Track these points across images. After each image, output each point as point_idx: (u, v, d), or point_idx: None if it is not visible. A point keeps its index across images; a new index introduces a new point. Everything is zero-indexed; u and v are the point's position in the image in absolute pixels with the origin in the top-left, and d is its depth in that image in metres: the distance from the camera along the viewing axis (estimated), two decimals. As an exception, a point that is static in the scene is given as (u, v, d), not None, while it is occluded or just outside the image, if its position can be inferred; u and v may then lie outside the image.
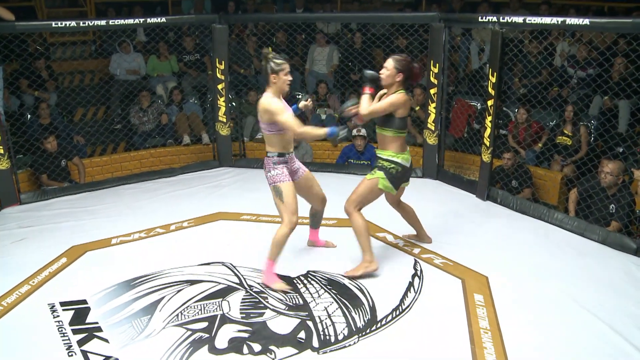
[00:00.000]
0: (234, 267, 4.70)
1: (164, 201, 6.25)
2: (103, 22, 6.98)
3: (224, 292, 4.31)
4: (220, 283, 4.45)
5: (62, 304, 4.25)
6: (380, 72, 4.46)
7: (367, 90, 4.47)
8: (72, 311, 4.15)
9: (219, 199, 5.93)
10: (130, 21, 6.97)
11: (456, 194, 6.42)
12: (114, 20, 6.86)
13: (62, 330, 3.94)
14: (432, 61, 6.53)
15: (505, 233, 5.42)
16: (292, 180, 4.46)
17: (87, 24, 7.40)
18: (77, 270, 4.80)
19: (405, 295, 4.28)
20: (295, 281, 4.50)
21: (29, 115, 7.71)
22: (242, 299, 4.23)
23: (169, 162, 7.92)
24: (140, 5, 10.17)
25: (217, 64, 7.11)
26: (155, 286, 4.45)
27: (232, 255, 4.89)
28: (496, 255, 4.92)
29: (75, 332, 3.91)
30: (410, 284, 4.44)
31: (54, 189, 6.64)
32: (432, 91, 6.60)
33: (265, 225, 5.56)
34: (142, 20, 6.90)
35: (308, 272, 4.64)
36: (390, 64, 4.42)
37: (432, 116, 6.66)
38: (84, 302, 4.25)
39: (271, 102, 4.22)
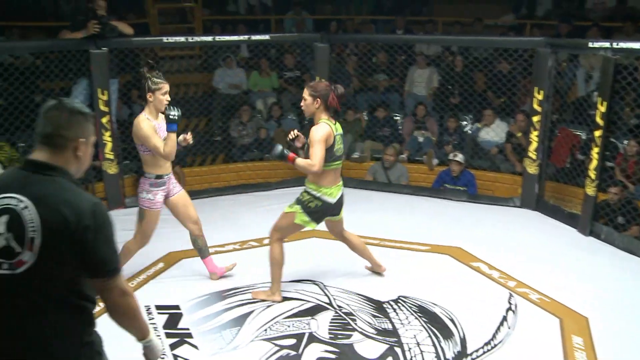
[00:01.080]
0: (325, 286, 4.69)
1: (259, 214, 6.32)
2: (209, 38, 7.22)
3: (313, 311, 4.31)
4: (309, 301, 4.46)
5: (158, 307, 4.40)
6: (301, 104, 4.25)
7: (293, 157, 4.14)
8: (167, 315, 4.29)
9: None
10: (235, 38, 7.19)
11: (556, 227, 6.16)
12: (219, 37, 7.08)
13: (156, 333, 4.03)
14: (536, 87, 6.33)
15: (608, 272, 5.13)
16: (168, 198, 4.57)
17: (194, 40, 7.68)
18: (173, 276, 4.95)
19: (498, 329, 4.13)
20: (385, 306, 4.44)
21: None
22: (331, 319, 4.22)
23: (265, 176, 8.04)
24: (243, 23, 10.47)
25: (318, 82, 7.18)
26: (246, 299, 4.51)
27: (323, 274, 4.89)
28: (598, 295, 4.66)
29: (168, 335, 4.04)
30: (504, 319, 4.27)
31: (155, 196, 6.88)
32: (535, 119, 6.39)
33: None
34: (246, 37, 7.08)
35: (399, 297, 4.57)
36: (305, 93, 4.18)
37: (534, 144, 6.44)
38: (178, 307, 4.38)
39: (141, 126, 4.26)
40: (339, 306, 4.39)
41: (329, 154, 4.14)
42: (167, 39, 6.67)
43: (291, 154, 4.12)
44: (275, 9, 11.27)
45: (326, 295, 4.56)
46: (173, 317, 4.27)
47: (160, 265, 5.12)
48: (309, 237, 5.70)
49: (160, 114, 4.36)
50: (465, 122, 8.57)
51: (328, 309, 4.35)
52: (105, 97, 6.22)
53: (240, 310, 4.34)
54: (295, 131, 4.42)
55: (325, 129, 4.10)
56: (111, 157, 6.38)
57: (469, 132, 8.36)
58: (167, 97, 4.30)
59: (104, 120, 6.27)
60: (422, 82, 8.92)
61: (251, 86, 9.11)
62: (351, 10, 11.64)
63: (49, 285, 2.02)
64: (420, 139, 8.32)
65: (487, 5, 11.39)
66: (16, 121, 6.40)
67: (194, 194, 6.90)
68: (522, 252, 5.37)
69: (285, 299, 4.48)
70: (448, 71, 8.88)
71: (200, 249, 4.79)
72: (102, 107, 6.23)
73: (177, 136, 4.35)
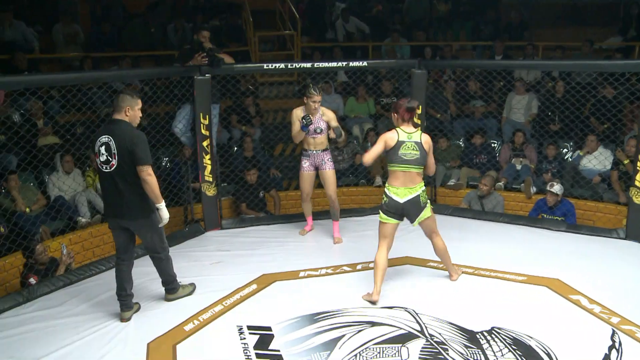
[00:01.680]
0: (416, 313, 4.62)
1: (353, 240, 6.33)
2: (308, 65, 7.37)
3: (404, 338, 4.25)
4: (401, 328, 4.40)
5: (249, 327, 4.48)
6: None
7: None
8: (258, 336, 4.35)
9: (406, 243, 5.90)
10: (334, 64, 7.28)
11: (666, 262, 5.77)
12: (318, 63, 7.21)
13: (246, 353, 4.14)
14: (645, 113, 6.01)
15: None
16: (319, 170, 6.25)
17: (294, 66, 7.87)
18: (265, 297, 5.03)
19: (599, 367, 3.91)
20: (478, 336, 4.31)
21: (235, 148, 8.33)
22: (422, 347, 4.15)
23: (360, 202, 8.06)
24: (340, 48, 10.63)
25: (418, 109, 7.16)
26: (337, 323, 4.50)
27: (415, 302, 4.82)
28: None
29: (258, 356, 4.10)
30: (607, 357, 4.04)
31: (251, 218, 7.05)
32: (644, 145, 6.06)
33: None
34: (344, 63, 7.17)
35: (492, 328, 4.43)
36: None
37: (642, 173, 6.10)
38: (269, 329, 4.43)
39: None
40: (431, 335, 4.30)
41: (394, 156, 4.78)
42: (267, 66, 6.87)
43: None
44: (372, 36, 11.36)
45: (418, 322, 4.49)
46: (264, 338, 4.33)
47: (254, 286, 5.20)
48: (403, 264, 5.66)
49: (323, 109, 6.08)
50: (565, 150, 8.28)
51: (419, 337, 4.28)
52: (206, 122, 6.46)
53: (332, 334, 4.34)
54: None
55: (388, 133, 4.84)
56: (210, 179, 6.60)
57: (570, 159, 8.06)
58: (317, 105, 5.96)
59: (205, 143, 6.50)
60: (521, 109, 8.71)
61: (347, 112, 9.21)
62: (448, 37, 11.56)
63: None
64: (518, 167, 8.10)
65: (591, 29, 11.02)
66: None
67: (288, 218, 7.04)
68: (627, 286, 5.07)
69: (376, 324, 4.45)
70: (548, 97, 8.62)
71: (331, 213, 6.42)
72: (203, 131, 6.46)
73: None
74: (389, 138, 4.78)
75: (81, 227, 6.58)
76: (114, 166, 4.32)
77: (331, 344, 4.20)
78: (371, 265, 5.60)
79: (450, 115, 8.98)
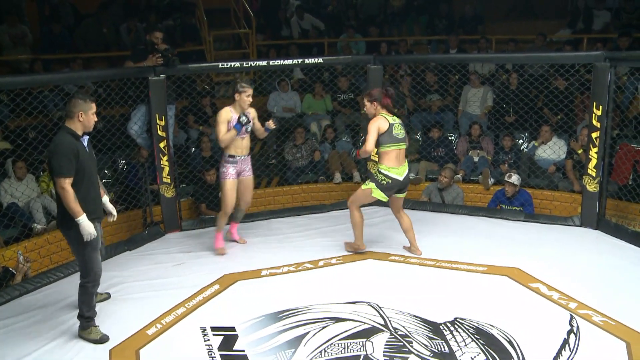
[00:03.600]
0: (380, 307, 4.64)
1: (314, 237, 6.33)
2: (264, 63, 7.33)
3: (369, 333, 4.27)
4: (365, 323, 4.42)
5: (213, 328, 4.44)
6: (363, 110, 5.63)
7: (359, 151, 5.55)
8: (222, 337, 4.32)
9: (367, 238, 5.92)
10: (290, 61, 7.26)
11: (619, 247, 5.92)
12: (274, 61, 7.18)
13: (211, 354, 4.10)
14: (594, 103, 6.15)
15: (677, 293, 4.89)
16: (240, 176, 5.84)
17: (249, 65, 7.82)
18: (228, 297, 5.00)
19: (559, 353, 4.00)
20: (441, 328, 4.36)
21: (193, 149, 8.24)
22: (387, 341, 4.17)
23: (320, 199, 8.07)
24: (296, 45, 10.61)
25: (371, 104, 7.19)
26: (301, 320, 4.50)
27: (378, 296, 4.84)
28: (666, 317, 4.44)
29: (223, 357, 4.07)
30: (565, 342, 4.13)
31: (211, 218, 6.97)
32: (594, 135, 6.20)
33: (413, 268, 5.47)
34: (300, 60, 7.15)
35: (455, 319, 4.48)
36: (365, 100, 5.44)
37: (594, 161, 6.25)
38: (233, 329, 4.40)
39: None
40: (395, 328, 4.33)
41: (389, 137, 5.25)
42: (223, 65, 6.80)
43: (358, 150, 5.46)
44: (328, 33, 11.38)
45: (382, 316, 4.51)
46: (228, 338, 4.30)
47: (216, 287, 5.16)
48: (365, 258, 5.69)
49: (249, 108, 5.84)
50: (521, 141, 8.43)
51: (384, 330, 4.31)
52: (162, 123, 6.37)
53: (296, 331, 4.33)
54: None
55: (377, 121, 5.24)
56: (168, 181, 6.51)
57: (525, 150, 8.21)
58: (250, 99, 5.74)
59: (162, 144, 6.41)
60: (477, 101, 8.84)
61: (305, 109, 9.20)
62: (403, 31, 11.65)
63: None
64: (476, 159, 8.22)
65: (542, 22, 11.25)
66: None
67: (249, 217, 7.00)
68: (583, 272, 5.19)
69: (340, 320, 4.46)
70: (502, 89, 8.77)
71: (236, 217, 6.12)
72: (160, 132, 6.37)
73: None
74: (381, 124, 5.24)
75: (37, 233, 6.43)
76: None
77: (296, 342, 4.20)
78: (333, 261, 5.64)
79: (407, 110, 9.04)
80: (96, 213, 4.27)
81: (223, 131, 5.61)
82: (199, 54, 9.97)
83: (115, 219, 4.71)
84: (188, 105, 8.43)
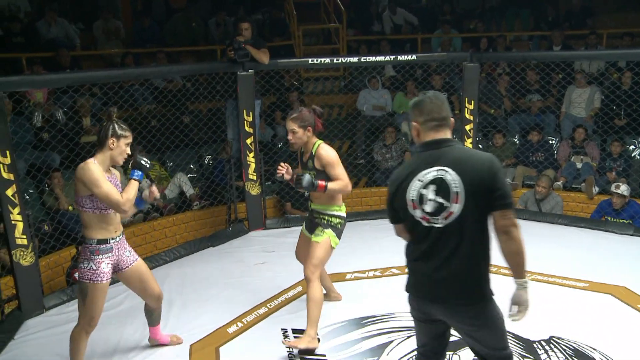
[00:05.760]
0: (470, 319, 4.35)
1: (402, 241, 6.06)
2: (355, 59, 7.14)
3: (456, 346, 3.98)
4: (453, 335, 4.13)
5: (294, 331, 4.36)
6: (289, 137, 4.17)
7: (323, 184, 4.08)
8: None
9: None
10: (381, 58, 7.05)
11: None
12: (365, 58, 6.98)
13: (291, 357, 4.03)
14: None
15: None
16: (120, 270, 3.75)
17: (340, 61, 7.64)
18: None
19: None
20: (535, 346, 4.04)
21: (280, 145, 8.16)
22: (474, 355, 3.87)
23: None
24: (387, 41, 10.35)
25: (466, 104, 6.85)
26: (385, 328, 4.35)
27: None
28: None
29: (303, 361, 3.98)
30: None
31: (296, 217, 6.87)
32: None
33: (506, 279, 5.02)
34: (392, 57, 6.93)
35: (551, 337, 4.15)
36: (293, 126, 4.13)
37: None
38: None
39: (90, 168, 3.44)
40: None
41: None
42: (312, 60, 6.67)
43: (321, 182, 4.06)
44: (422, 28, 11.04)
45: (472, 330, 4.22)
46: (309, 342, 4.19)
47: (299, 289, 5.06)
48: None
49: (112, 169, 3.66)
50: (632, 147, 7.80)
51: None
52: (250, 119, 6.31)
53: (379, 339, 4.19)
54: (283, 164, 4.34)
55: (331, 148, 4.20)
56: (254, 178, 6.45)
57: (638, 157, 7.58)
58: (129, 151, 3.61)
59: (249, 141, 6.36)
60: (582, 103, 8.27)
61: (396, 108, 8.94)
62: (502, 27, 11.14)
63: (466, 226, 2.70)
64: (579, 165, 7.68)
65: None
66: (167, 141, 6.67)
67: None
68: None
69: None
70: (613, 89, 8.14)
71: (152, 319, 4.12)
72: (247, 128, 6.32)
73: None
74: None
75: (122, 225, 6.50)
76: (452, 216, 2.72)
77: (379, 350, 4.06)
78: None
79: (504, 111, 8.60)
80: None
81: (114, 192, 3.48)
82: (287, 49, 9.90)
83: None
84: (276, 102, 8.35)
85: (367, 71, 8.79)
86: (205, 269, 5.61)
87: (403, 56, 7.01)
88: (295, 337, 4.26)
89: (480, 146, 7.51)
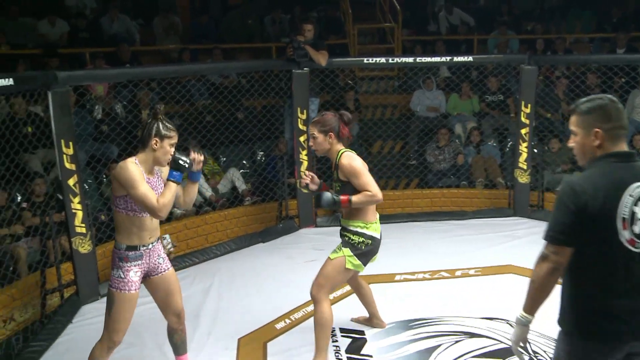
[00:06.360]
0: (520, 328, 4.27)
1: (453, 244, 6.07)
2: (410, 60, 7.09)
3: (506, 354, 3.94)
4: (502, 342, 4.10)
5: (342, 330, 4.35)
6: (310, 143, 3.85)
7: (347, 198, 3.69)
8: (350, 339, 4.23)
9: (510, 251, 5.57)
10: (437, 59, 7.00)
11: None
12: (420, 58, 6.93)
13: (338, 356, 4.02)
14: None
15: None
16: (150, 277, 3.48)
17: (395, 61, 7.61)
18: (358, 300, 4.84)
19: None
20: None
21: (332, 144, 8.14)
22: (526, 366, 3.81)
23: (460, 204, 7.70)
24: (443, 42, 10.24)
25: (523, 107, 6.73)
26: (433, 332, 4.30)
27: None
28: None
29: None
30: None
31: (346, 217, 6.87)
32: None
33: (558, 287, 4.97)
34: (448, 58, 6.87)
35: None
36: (314, 130, 3.78)
37: None
38: (362, 332, 4.30)
39: (128, 168, 3.20)
40: (535, 352, 3.97)
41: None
42: (367, 60, 6.67)
43: (343, 196, 3.68)
44: (478, 29, 10.88)
45: (522, 338, 4.14)
46: (357, 342, 4.19)
47: (347, 288, 5.00)
48: (507, 272, 5.34)
49: (155, 168, 3.42)
50: None
51: (522, 353, 3.92)
52: (304, 117, 6.35)
53: (427, 342, 4.14)
54: (307, 172, 3.98)
55: (358, 157, 3.79)
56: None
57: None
58: (173, 151, 3.36)
59: (302, 139, 6.40)
60: (646, 108, 7.99)
61: (450, 109, 8.84)
62: (562, 29, 10.88)
63: None
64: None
65: None
66: (221, 136, 6.76)
67: (385, 219, 6.76)
68: None
69: (475, 335, 4.19)
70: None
71: (175, 345, 3.72)
72: (301, 126, 6.36)
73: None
74: (362, 162, 3.83)
75: (176, 218, 6.63)
76: None
77: (426, 354, 4.01)
78: (471, 272, 5.30)
79: (561, 115, 8.40)
80: None
81: (151, 194, 3.22)
82: (342, 48, 9.89)
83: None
84: (330, 100, 8.37)
85: (422, 71, 8.71)
86: (255, 264, 5.69)
87: (459, 57, 6.93)
88: (342, 335, 4.25)
89: (535, 150, 7.34)
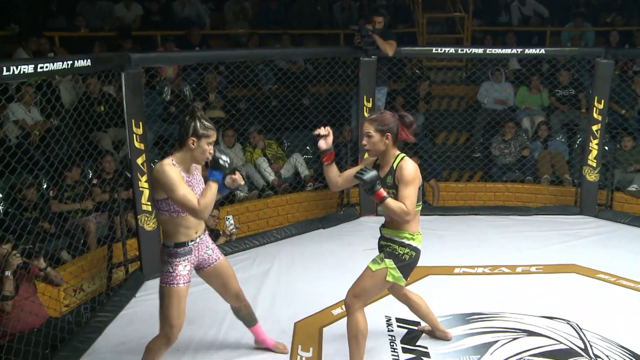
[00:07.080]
0: (581, 329, 4.18)
1: (514, 240, 5.96)
2: (480, 51, 6.96)
3: (565, 354, 3.86)
4: (561, 343, 4.01)
5: (398, 320, 4.34)
6: (363, 142, 3.47)
7: (382, 194, 3.33)
8: (406, 330, 4.22)
9: (574, 250, 5.43)
10: (507, 51, 6.85)
11: None
12: (491, 49, 6.80)
13: (393, 345, 4.02)
14: None
15: None
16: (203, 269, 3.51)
17: (464, 52, 7.49)
18: (417, 291, 4.77)
19: None
20: None
21: (397, 133, 8.10)
22: (586, 368, 3.73)
23: (524, 200, 7.56)
24: (514, 33, 9.99)
25: (596, 103, 6.50)
26: (490, 327, 4.25)
27: (579, 315, 4.37)
28: None
29: (404, 350, 3.97)
30: None
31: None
32: None
33: (625, 292, 4.85)
34: (519, 50, 6.71)
35: None
36: (370, 128, 3.41)
37: None
38: (419, 324, 4.25)
39: (166, 171, 3.14)
40: (596, 355, 3.86)
41: (421, 191, 3.53)
42: (436, 50, 6.58)
43: (381, 190, 3.33)
44: (552, 20, 10.55)
45: (582, 339, 4.06)
46: (412, 333, 4.18)
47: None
48: (569, 272, 5.21)
49: (194, 165, 3.39)
50: None
51: (582, 356, 3.86)
52: (369, 105, 6.33)
53: (484, 338, 4.09)
54: (326, 128, 3.58)
55: (415, 166, 3.44)
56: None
57: None
58: (212, 149, 3.29)
59: (366, 126, 6.38)
60: None
61: (518, 102, 8.65)
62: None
63: None
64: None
65: None
66: (286, 122, 6.83)
67: (447, 211, 6.77)
68: None
69: (533, 334, 4.11)
70: None
71: (244, 319, 3.85)
72: (366, 114, 6.35)
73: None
74: (419, 173, 3.48)
75: (239, 200, 6.75)
76: None
77: (482, 349, 3.96)
78: (533, 269, 5.21)
79: (637, 112, 8.09)
80: None
81: (191, 194, 3.20)
82: (410, 37, 9.79)
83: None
84: (397, 89, 8.32)
85: (491, 63, 8.54)
86: (314, 249, 5.73)
87: (531, 49, 6.73)
88: (398, 326, 4.24)
89: (607, 148, 7.11)
